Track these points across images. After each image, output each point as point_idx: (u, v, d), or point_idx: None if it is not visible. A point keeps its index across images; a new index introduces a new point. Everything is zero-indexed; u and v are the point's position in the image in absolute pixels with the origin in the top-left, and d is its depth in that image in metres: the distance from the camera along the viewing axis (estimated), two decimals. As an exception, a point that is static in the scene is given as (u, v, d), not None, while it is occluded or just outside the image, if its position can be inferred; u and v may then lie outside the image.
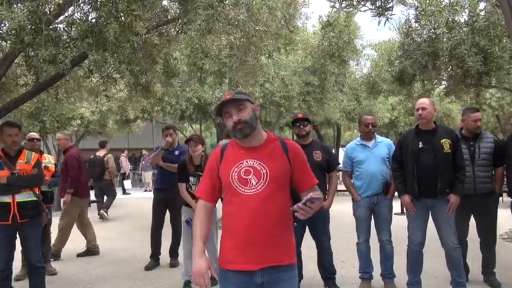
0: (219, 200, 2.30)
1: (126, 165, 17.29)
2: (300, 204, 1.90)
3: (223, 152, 2.18)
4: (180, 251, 5.60)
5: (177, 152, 5.45)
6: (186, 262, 4.65)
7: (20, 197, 3.82)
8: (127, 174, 17.32)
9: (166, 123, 12.13)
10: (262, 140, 2.15)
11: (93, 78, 5.14)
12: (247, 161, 2.08)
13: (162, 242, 5.60)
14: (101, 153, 10.04)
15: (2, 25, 3.67)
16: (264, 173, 2.04)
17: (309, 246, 4.41)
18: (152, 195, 5.85)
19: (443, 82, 6.61)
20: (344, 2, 4.07)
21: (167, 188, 5.40)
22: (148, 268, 5.38)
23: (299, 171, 2.15)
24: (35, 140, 5.24)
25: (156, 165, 5.59)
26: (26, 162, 3.92)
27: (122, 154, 17.41)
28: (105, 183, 9.97)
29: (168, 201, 5.47)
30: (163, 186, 5.49)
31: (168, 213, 5.63)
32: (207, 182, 2.20)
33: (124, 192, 15.76)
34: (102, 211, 9.77)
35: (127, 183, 16.51)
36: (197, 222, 2.16)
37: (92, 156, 10.05)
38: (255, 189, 2.03)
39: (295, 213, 1.92)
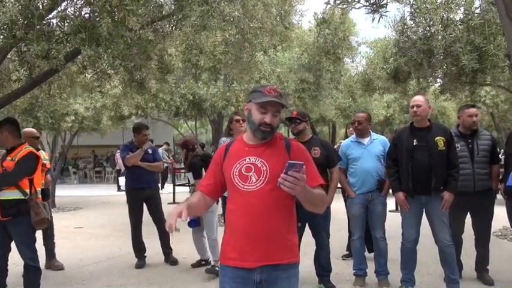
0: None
1: (121, 162, 17.17)
2: (282, 175, 1.78)
3: (228, 148, 2.19)
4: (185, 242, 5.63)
5: (150, 151, 5.46)
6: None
7: (2, 195, 3.71)
8: (122, 171, 17.24)
9: (161, 119, 12.10)
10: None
11: (86, 74, 5.10)
12: (249, 158, 2.08)
13: (148, 241, 5.57)
14: None
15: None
16: (264, 170, 2.03)
17: (304, 243, 4.40)
18: None
19: (438, 80, 6.63)
20: (338, -1, 4.05)
21: (148, 187, 5.42)
22: (139, 266, 5.36)
23: None
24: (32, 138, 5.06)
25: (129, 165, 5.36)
26: (12, 160, 3.78)
27: (118, 150, 17.33)
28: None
29: (147, 200, 5.45)
30: (143, 186, 5.40)
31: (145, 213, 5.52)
32: (210, 176, 2.21)
33: (119, 188, 15.69)
34: None
35: (122, 180, 16.41)
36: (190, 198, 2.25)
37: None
38: (255, 186, 2.02)
39: (280, 186, 1.78)
